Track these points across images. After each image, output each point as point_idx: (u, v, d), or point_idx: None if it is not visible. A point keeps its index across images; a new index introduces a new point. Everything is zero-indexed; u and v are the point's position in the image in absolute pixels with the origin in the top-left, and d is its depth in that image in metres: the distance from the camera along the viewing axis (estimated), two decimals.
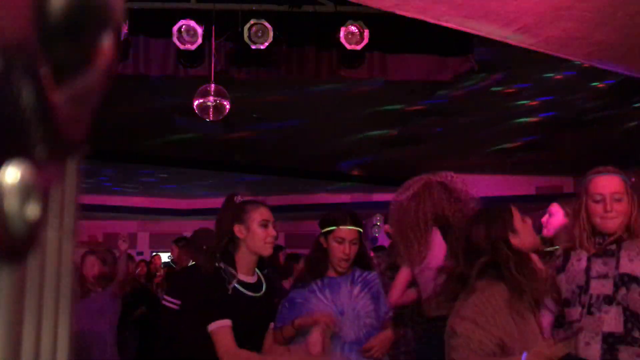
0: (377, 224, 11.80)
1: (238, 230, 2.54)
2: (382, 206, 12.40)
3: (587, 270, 2.50)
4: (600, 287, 2.45)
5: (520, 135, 8.64)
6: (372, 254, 5.77)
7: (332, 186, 11.51)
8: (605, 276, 2.45)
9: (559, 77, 6.13)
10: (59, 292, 0.34)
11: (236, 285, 2.49)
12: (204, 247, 4.49)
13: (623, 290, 2.41)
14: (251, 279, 2.59)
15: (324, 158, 10.14)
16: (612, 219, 2.48)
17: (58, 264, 0.34)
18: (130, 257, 6.28)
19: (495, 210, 2.39)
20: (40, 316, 0.32)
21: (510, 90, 6.61)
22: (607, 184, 2.51)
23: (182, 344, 4.17)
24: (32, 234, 0.30)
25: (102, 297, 4.69)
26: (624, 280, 2.42)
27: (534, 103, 7.09)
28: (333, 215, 2.91)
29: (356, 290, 2.84)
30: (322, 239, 2.88)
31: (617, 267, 2.45)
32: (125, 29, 4.16)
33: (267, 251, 2.57)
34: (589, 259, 2.51)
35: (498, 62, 5.55)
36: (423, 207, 3.07)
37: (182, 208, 13.48)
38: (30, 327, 0.31)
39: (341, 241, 2.80)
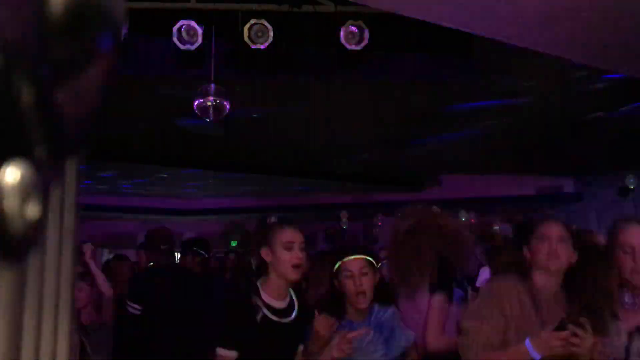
0: (377, 224, 11.81)
1: (265, 254, 2.51)
2: (382, 206, 12.43)
3: (627, 347, 2.39)
4: None
5: (520, 135, 8.64)
6: (380, 254, 5.73)
7: (332, 186, 11.52)
8: None
9: (558, 77, 6.13)
10: (59, 292, 0.34)
11: (265, 312, 2.47)
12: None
13: None
14: (281, 304, 2.54)
15: (324, 158, 10.14)
16: None
17: (58, 264, 0.34)
18: (121, 258, 6.07)
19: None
20: (40, 316, 0.32)
21: (510, 91, 6.61)
22: (638, 234, 2.43)
23: (147, 352, 3.90)
24: (32, 234, 0.30)
25: None
26: None
27: (534, 103, 7.09)
28: (336, 252, 2.88)
29: (368, 338, 2.71)
30: (335, 282, 2.79)
31: None
32: (125, 29, 4.16)
33: (292, 275, 2.50)
34: (629, 335, 2.40)
35: (498, 62, 5.55)
36: (421, 251, 3.00)
37: (182, 208, 13.48)
38: (30, 327, 0.31)
39: (350, 275, 2.70)
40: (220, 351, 2.43)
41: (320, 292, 2.93)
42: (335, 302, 2.72)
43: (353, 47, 4.37)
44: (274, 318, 2.48)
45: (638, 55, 4.29)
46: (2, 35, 0.28)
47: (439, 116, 7.56)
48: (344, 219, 11.95)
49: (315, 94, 6.49)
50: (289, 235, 2.50)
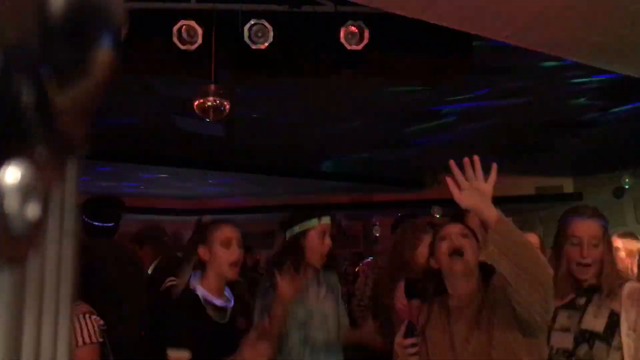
0: (376, 225, 11.81)
1: (202, 252, 2.43)
2: (382, 206, 12.39)
3: (552, 321, 2.42)
4: (560, 341, 2.39)
5: (520, 135, 8.64)
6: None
7: (331, 186, 11.51)
8: (567, 329, 2.40)
9: (557, 77, 6.13)
10: (59, 292, 0.34)
11: (209, 310, 2.39)
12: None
13: (584, 347, 2.34)
14: (220, 302, 2.43)
15: (324, 158, 10.14)
16: (587, 267, 2.43)
17: (58, 264, 0.34)
18: None
19: None
20: (40, 316, 0.32)
21: (510, 90, 6.61)
22: (587, 227, 2.47)
23: None
24: (32, 234, 0.30)
25: None
26: (585, 337, 2.36)
27: (533, 103, 7.09)
28: (306, 212, 2.82)
29: (322, 292, 2.79)
30: (300, 240, 2.74)
31: (579, 322, 2.39)
32: (125, 29, 4.15)
33: (230, 273, 2.42)
34: (555, 310, 2.42)
35: (497, 62, 5.55)
36: (388, 264, 3.37)
37: (182, 208, 13.48)
38: (30, 327, 0.31)
39: (323, 235, 2.75)
40: (172, 353, 2.23)
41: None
42: (295, 259, 2.70)
43: (353, 47, 4.37)
44: (214, 316, 2.39)
45: (637, 55, 4.29)
46: (3, 35, 0.28)
47: (438, 116, 7.56)
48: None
49: (315, 94, 6.49)
50: (227, 232, 2.43)
